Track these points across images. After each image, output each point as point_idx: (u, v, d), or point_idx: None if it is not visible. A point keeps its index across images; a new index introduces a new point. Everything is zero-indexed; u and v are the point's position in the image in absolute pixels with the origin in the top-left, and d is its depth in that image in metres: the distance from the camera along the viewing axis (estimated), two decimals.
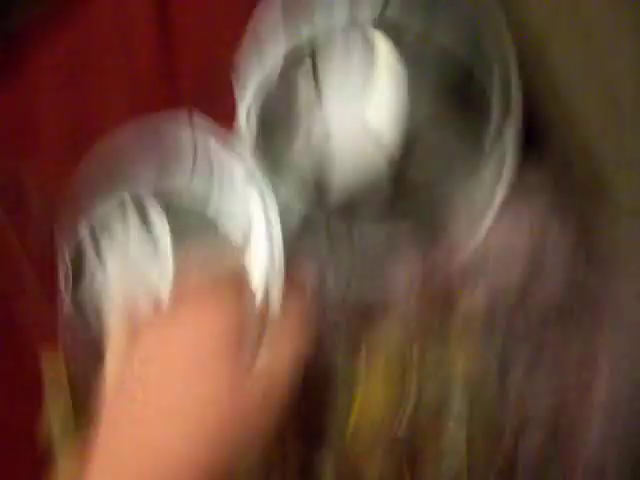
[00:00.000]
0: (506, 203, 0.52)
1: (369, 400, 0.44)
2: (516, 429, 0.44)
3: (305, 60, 0.49)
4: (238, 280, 0.40)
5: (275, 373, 0.37)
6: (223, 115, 0.58)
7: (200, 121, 0.56)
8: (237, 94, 0.54)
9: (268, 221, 0.55)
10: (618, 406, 0.44)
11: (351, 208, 0.50)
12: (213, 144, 0.56)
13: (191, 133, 0.56)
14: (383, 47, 0.48)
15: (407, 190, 0.49)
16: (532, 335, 0.47)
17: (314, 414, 0.45)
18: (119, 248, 0.56)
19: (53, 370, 0.49)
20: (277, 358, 0.38)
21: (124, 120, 0.61)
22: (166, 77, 0.64)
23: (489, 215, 0.51)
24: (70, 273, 0.58)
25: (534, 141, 0.51)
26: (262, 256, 0.55)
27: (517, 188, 0.51)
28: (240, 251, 0.55)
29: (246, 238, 0.56)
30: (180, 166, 0.56)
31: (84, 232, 0.56)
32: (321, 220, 0.52)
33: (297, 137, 0.50)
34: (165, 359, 0.35)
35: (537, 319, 0.48)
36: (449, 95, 0.49)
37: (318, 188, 0.50)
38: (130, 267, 0.54)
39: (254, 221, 0.56)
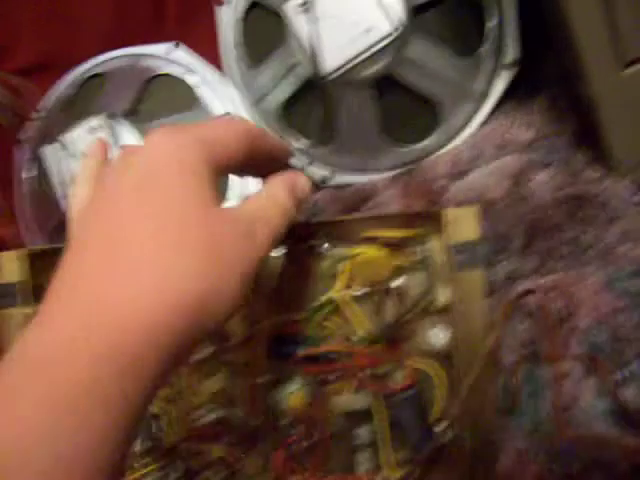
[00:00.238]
0: (501, 104, 0.52)
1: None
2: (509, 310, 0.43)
3: None
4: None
5: (258, 222, 0.32)
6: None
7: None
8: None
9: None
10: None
11: (348, 77, 0.48)
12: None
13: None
14: None
15: (405, 66, 0.49)
16: (522, 225, 0.46)
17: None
18: None
19: None
20: (261, 208, 0.33)
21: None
22: None
23: (486, 106, 0.51)
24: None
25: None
26: None
27: (516, 89, 0.51)
28: None
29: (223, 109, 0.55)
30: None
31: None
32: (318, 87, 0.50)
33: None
34: (137, 183, 0.30)
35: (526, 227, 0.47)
36: None
37: (313, 57, 0.48)
38: None
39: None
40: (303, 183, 0.37)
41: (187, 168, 0.30)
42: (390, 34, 0.47)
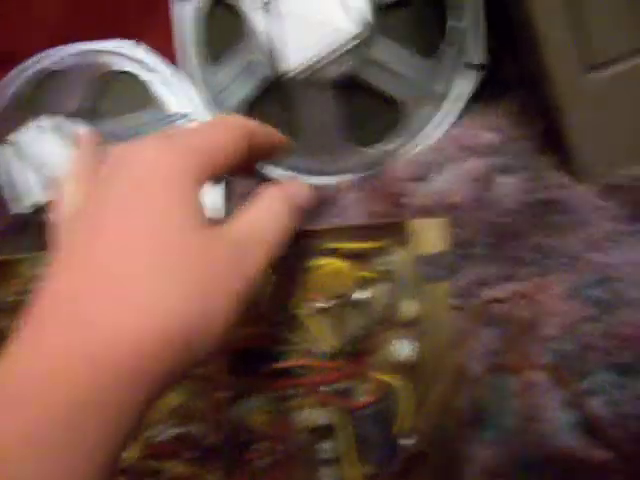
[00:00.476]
0: (466, 107, 0.51)
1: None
2: (475, 320, 0.42)
3: None
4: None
5: (251, 237, 0.30)
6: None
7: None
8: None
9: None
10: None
11: (310, 77, 0.47)
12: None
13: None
14: None
15: (369, 67, 0.47)
16: (487, 230, 0.46)
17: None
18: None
19: None
20: (257, 221, 0.31)
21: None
22: None
23: (450, 108, 0.50)
24: None
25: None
26: None
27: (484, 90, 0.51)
28: None
29: (182, 114, 0.54)
30: None
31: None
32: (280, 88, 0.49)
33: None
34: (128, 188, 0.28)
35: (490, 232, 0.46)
36: None
37: (273, 57, 0.47)
38: None
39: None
40: (305, 194, 0.35)
41: (183, 186, 0.28)
42: (355, 35, 0.45)
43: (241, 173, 0.36)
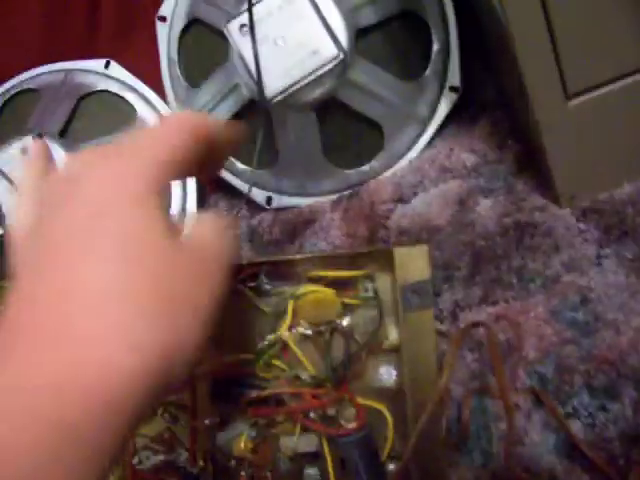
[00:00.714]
0: (444, 128, 0.51)
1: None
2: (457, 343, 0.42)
3: None
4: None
5: (210, 245, 0.30)
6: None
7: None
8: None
9: None
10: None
11: (291, 100, 0.47)
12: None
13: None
14: None
15: (348, 89, 0.48)
16: (467, 253, 0.46)
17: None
18: None
19: None
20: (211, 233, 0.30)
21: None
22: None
23: (429, 130, 0.50)
24: None
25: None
26: None
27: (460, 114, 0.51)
28: None
29: None
30: None
31: None
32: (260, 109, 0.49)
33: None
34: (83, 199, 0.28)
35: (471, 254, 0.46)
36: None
37: (256, 79, 0.47)
38: None
39: None
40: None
41: (135, 199, 0.27)
42: (335, 57, 0.46)
43: (205, 171, 0.35)
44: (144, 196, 0.27)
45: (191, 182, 0.54)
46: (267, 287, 0.40)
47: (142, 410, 0.25)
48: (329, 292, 0.39)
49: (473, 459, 0.40)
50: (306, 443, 0.39)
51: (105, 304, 0.25)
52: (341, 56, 0.46)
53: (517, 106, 0.45)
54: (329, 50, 0.46)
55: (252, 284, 0.40)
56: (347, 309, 0.40)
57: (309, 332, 0.39)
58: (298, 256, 0.39)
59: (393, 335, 0.39)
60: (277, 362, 0.40)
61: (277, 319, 0.40)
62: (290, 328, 0.39)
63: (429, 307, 0.38)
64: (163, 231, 0.27)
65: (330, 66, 0.46)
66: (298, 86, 0.47)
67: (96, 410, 0.23)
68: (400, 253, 0.38)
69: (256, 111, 0.49)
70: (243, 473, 0.40)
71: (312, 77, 0.46)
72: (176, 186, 0.53)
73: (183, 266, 0.27)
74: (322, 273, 0.39)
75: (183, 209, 0.53)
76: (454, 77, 0.49)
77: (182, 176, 0.31)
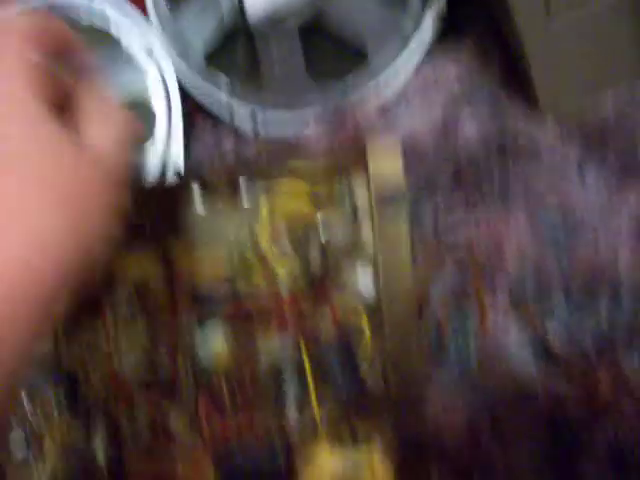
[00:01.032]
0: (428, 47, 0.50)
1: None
2: (431, 268, 0.42)
3: None
4: None
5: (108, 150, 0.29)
6: None
7: None
8: None
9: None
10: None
11: (271, 26, 0.47)
12: None
13: None
14: None
15: (329, 6, 0.47)
16: (449, 168, 0.46)
17: None
18: None
19: None
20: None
21: None
22: None
23: (413, 48, 0.50)
24: None
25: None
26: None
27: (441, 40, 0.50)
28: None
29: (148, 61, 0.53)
30: None
31: None
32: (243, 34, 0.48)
33: None
34: None
35: (453, 165, 0.46)
36: None
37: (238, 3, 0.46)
38: None
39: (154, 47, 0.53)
40: None
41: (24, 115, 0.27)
42: None
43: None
44: (30, 107, 0.27)
45: (176, 113, 0.53)
46: (241, 184, 0.40)
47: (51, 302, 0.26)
48: (302, 187, 0.39)
49: (452, 373, 0.40)
50: (284, 348, 0.39)
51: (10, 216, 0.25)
52: None
53: (501, 22, 0.45)
54: None
55: (226, 182, 0.40)
56: (322, 205, 0.39)
57: (286, 240, 0.39)
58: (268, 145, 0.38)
59: (369, 243, 0.39)
60: (255, 270, 0.40)
61: (252, 217, 0.40)
62: (265, 232, 0.39)
63: (402, 215, 0.38)
64: (57, 132, 0.27)
65: None
66: (281, 10, 0.46)
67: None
68: (371, 148, 0.38)
69: (239, 37, 0.49)
70: (220, 379, 0.40)
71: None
72: (161, 118, 0.53)
73: (81, 171, 0.27)
74: (294, 165, 0.38)
75: (168, 141, 0.53)
76: None
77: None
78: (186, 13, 0.51)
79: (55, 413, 0.40)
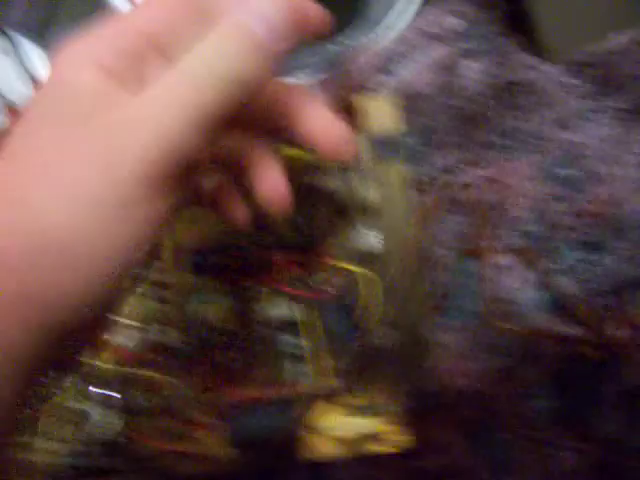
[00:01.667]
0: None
1: None
2: (440, 205, 0.41)
3: None
4: None
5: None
6: None
7: None
8: None
9: None
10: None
11: None
12: None
13: None
14: None
15: None
16: (455, 117, 0.44)
17: None
18: None
19: None
20: None
21: None
22: None
23: (411, 4, 0.48)
24: None
25: None
26: None
27: None
28: None
29: None
30: None
31: None
32: None
33: None
34: None
35: (456, 109, 0.45)
36: None
37: None
38: None
39: None
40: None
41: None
42: None
43: None
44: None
45: None
46: None
47: None
48: (300, 152, 0.38)
49: (456, 320, 0.40)
50: (285, 310, 0.39)
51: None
52: None
53: None
54: None
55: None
56: (320, 169, 0.38)
57: None
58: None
59: (367, 194, 0.38)
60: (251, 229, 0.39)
61: None
62: None
63: (400, 159, 0.36)
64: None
65: None
66: None
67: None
68: (367, 104, 0.37)
69: None
70: (221, 343, 0.39)
71: None
72: None
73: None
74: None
75: None
76: None
77: None
78: None
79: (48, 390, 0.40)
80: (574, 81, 0.43)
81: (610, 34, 0.42)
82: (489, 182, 0.42)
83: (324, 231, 0.39)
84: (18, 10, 0.51)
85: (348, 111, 0.37)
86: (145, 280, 0.41)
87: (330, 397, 0.39)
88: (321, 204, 0.38)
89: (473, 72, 0.46)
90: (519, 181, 0.42)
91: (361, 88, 0.48)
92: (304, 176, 0.38)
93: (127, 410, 0.41)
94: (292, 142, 0.38)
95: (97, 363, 0.41)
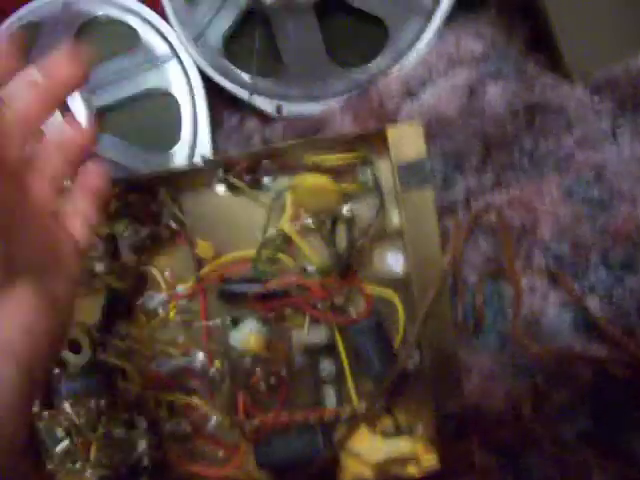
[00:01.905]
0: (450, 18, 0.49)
1: None
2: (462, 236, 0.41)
3: None
4: None
5: None
6: None
7: None
8: None
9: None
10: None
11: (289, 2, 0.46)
12: None
13: None
14: None
15: None
16: (478, 140, 0.45)
17: None
18: None
19: None
20: None
21: None
22: None
23: (434, 21, 0.48)
24: None
25: None
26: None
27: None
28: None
29: (168, 55, 0.53)
30: None
31: None
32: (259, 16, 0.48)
33: None
34: None
35: (480, 132, 0.45)
36: None
37: None
38: None
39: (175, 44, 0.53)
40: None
41: None
42: None
43: None
44: None
45: (200, 101, 0.53)
46: (266, 181, 0.39)
47: None
48: (326, 179, 0.38)
49: (489, 343, 0.40)
50: (317, 335, 0.39)
51: None
52: None
53: None
54: None
55: (250, 178, 0.40)
56: (347, 198, 0.39)
57: (310, 223, 0.39)
58: (290, 143, 0.38)
59: (396, 219, 0.38)
60: (282, 256, 0.40)
61: (277, 212, 0.40)
62: (290, 220, 0.39)
63: (428, 186, 0.37)
64: None
65: None
66: None
67: None
68: (393, 132, 0.37)
69: (255, 19, 0.48)
70: (258, 369, 0.40)
71: None
72: (186, 107, 0.53)
73: None
74: (317, 159, 0.38)
75: (194, 129, 0.53)
76: None
77: None
78: (203, 7, 0.51)
79: (97, 419, 0.41)
80: (597, 100, 0.43)
81: (632, 54, 0.42)
82: (515, 204, 0.42)
83: (355, 257, 0.39)
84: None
85: (375, 138, 0.38)
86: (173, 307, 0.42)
87: (362, 420, 0.39)
88: (351, 231, 0.39)
89: (494, 94, 0.46)
90: (545, 202, 0.42)
91: (386, 113, 0.48)
92: (330, 203, 0.39)
93: (163, 434, 0.42)
94: (320, 171, 0.39)
95: (132, 388, 0.41)
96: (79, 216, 0.30)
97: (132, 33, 0.54)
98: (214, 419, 0.41)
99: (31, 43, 0.55)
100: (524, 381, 0.38)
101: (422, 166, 0.37)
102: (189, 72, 0.53)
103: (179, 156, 0.51)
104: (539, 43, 0.46)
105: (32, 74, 0.28)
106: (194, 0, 0.51)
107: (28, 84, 0.28)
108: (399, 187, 0.37)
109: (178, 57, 0.53)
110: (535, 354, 0.38)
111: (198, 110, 0.53)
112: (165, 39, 0.54)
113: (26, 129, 0.27)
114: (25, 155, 0.27)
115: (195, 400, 0.41)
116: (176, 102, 0.53)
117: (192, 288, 0.40)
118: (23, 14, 0.57)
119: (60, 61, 0.29)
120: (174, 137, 0.52)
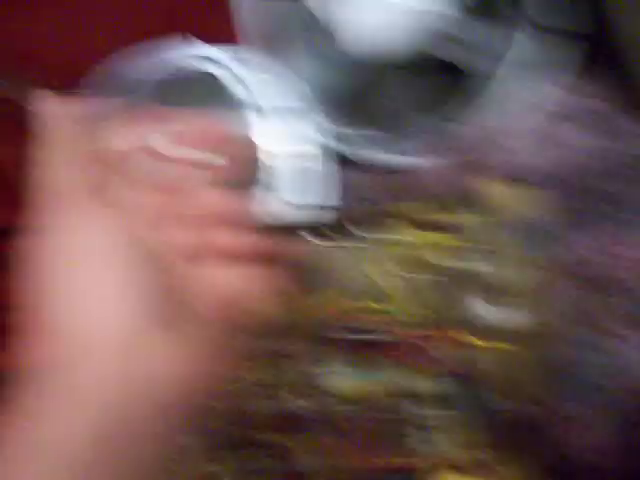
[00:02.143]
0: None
1: None
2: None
3: None
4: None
5: None
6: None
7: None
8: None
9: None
10: None
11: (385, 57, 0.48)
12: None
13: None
14: None
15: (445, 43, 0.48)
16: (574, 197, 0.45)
17: None
18: None
19: None
20: None
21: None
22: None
23: (528, 73, 0.49)
24: None
25: None
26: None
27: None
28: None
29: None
30: None
31: None
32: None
33: None
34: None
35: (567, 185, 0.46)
36: None
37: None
38: None
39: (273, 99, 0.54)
40: None
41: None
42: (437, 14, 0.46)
43: None
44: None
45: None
46: (362, 234, 0.41)
47: None
48: (431, 236, 0.39)
49: (580, 392, 0.40)
50: (415, 384, 0.40)
51: None
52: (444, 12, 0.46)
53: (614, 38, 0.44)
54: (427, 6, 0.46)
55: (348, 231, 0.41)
56: (450, 251, 0.40)
57: (407, 276, 0.40)
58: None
59: (499, 275, 0.39)
60: (378, 307, 0.41)
61: (376, 266, 0.41)
62: (388, 273, 0.40)
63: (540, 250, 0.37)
64: None
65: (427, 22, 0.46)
66: (391, 44, 0.47)
67: None
68: (501, 192, 0.38)
69: (350, 73, 0.50)
70: (350, 414, 0.41)
71: (406, 34, 0.47)
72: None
73: None
74: (423, 217, 0.39)
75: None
76: (546, 17, 0.48)
77: None
78: (301, 61, 0.53)
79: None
80: None
81: None
82: (605, 254, 0.43)
83: (450, 308, 0.40)
84: None
85: (468, 197, 0.39)
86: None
87: (457, 468, 0.40)
88: (449, 282, 0.40)
89: (583, 144, 0.47)
90: (634, 252, 0.42)
91: (477, 168, 0.49)
92: (420, 260, 0.40)
93: (252, 474, 0.43)
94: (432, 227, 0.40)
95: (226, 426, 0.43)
96: None
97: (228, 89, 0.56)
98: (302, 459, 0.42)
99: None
100: (620, 432, 0.38)
101: (524, 222, 0.38)
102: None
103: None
104: (623, 89, 0.46)
105: None
106: (290, 53, 0.53)
107: None
108: (503, 242, 0.38)
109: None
110: (629, 405, 0.38)
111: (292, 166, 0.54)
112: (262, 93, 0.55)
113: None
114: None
115: (285, 440, 0.42)
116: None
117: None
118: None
119: None
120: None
